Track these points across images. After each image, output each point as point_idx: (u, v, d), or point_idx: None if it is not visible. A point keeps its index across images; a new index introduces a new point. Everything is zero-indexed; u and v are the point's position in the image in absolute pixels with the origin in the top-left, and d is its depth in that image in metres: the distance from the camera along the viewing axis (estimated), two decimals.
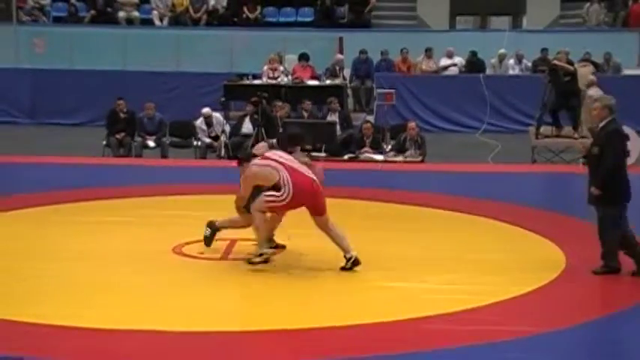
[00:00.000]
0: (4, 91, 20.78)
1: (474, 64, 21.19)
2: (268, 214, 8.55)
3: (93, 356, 6.37)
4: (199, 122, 16.42)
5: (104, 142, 16.25)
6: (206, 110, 16.43)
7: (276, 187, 8.30)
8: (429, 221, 10.91)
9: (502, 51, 21.39)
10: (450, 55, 21.31)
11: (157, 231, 9.71)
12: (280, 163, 8.42)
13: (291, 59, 19.90)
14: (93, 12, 23.53)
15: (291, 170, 8.37)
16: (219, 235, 9.10)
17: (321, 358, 6.45)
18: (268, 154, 8.64)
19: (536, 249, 9.42)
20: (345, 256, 8.42)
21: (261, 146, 9.33)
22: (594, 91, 15.07)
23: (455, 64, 21.31)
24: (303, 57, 19.63)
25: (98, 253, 8.94)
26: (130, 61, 21.20)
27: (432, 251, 9.33)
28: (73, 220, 10.48)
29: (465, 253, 9.20)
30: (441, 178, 14.12)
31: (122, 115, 16.33)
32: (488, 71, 21.20)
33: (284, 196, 8.28)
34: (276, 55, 19.57)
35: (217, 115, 16.59)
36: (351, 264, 8.40)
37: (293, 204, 8.40)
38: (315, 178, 8.48)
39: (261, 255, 8.46)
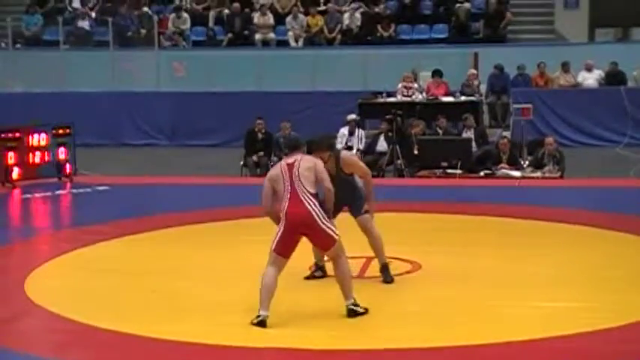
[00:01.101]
0: (145, 114, 21.44)
1: (615, 77, 20.63)
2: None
3: None
4: (343, 130, 16.73)
5: (241, 162, 16.54)
6: (352, 116, 16.62)
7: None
8: (568, 237, 10.66)
9: None
10: (589, 69, 20.81)
11: (296, 249, 9.75)
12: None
13: (425, 76, 19.84)
14: (230, 35, 24.01)
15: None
16: (354, 253, 9.09)
17: None
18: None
19: None
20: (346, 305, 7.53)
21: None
22: None
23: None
24: (437, 73, 19.52)
25: (238, 272, 9.04)
26: (267, 82, 21.52)
27: (572, 268, 9.11)
28: (213, 240, 10.68)
29: (605, 270, 8.95)
30: (581, 193, 13.79)
31: (260, 136, 16.60)
32: (630, 84, 20.61)
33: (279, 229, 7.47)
34: (411, 73, 19.54)
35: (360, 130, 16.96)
36: (348, 313, 7.49)
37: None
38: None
39: (258, 317, 7.29)
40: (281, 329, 7.28)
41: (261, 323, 7.23)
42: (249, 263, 9.35)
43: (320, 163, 7.75)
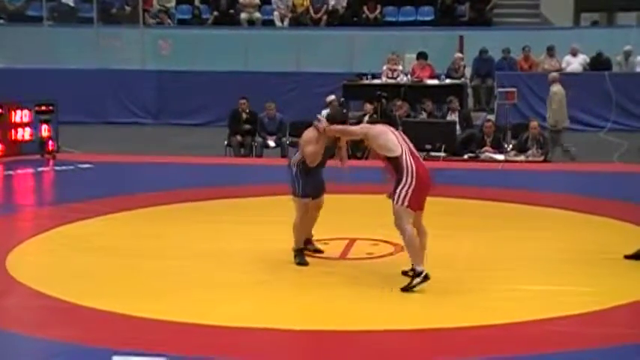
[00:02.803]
0: (130, 92, 21.34)
1: (599, 62, 20.66)
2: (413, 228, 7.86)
3: (212, 352, 6.47)
4: (324, 112, 16.61)
5: (226, 142, 16.50)
6: (332, 97, 16.50)
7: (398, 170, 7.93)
8: (550, 221, 10.71)
9: (628, 48, 20.79)
10: (574, 53, 20.84)
11: (277, 230, 9.68)
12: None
13: (410, 58, 19.81)
14: (216, 14, 23.92)
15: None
16: (338, 234, 9.11)
17: (451, 358, 6.42)
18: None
19: None
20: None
21: None
22: (557, 88, 16.35)
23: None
24: (422, 56, 19.50)
25: (219, 252, 9.06)
26: (252, 61, 21.47)
27: (554, 252, 9.16)
28: (195, 219, 10.66)
29: (588, 254, 9.00)
30: (564, 177, 13.84)
31: (244, 116, 16.55)
32: (614, 69, 20.65)
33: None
34: (395, 55, 19.51)
35: None
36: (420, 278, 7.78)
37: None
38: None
39: (419, 274, 7.74)
40: (263, 310, 7.31)
41: (426, 277, 7.67)
42: (231, 243, 9.39)
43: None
